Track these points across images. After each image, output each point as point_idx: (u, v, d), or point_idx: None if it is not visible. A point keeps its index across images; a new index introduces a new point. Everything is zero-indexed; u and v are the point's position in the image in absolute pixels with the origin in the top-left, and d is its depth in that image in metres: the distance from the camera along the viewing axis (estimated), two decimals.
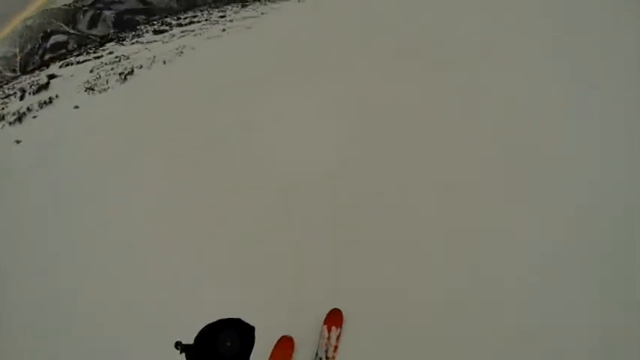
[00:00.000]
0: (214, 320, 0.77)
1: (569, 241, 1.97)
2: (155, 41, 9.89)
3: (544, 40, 3.49)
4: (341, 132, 3.05)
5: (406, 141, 2.87)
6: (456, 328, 1.79)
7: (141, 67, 7.25)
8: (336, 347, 1.90)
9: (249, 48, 5.63)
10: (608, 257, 1.86)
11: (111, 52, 9.43)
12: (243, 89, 3.82)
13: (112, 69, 7.59)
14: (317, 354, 1.88)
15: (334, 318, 2.02)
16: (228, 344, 0.70)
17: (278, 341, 1.93)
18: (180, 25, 10.54)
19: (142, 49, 9.13)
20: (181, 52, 7.59)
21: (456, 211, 2.29)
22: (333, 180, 2.67)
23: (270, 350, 1.88)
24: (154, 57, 7.61)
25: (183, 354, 0.74)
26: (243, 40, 7.19)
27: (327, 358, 1.85)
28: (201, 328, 0.75)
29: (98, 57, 8.85)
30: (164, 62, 7.09)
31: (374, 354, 1.82)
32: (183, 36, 9.27)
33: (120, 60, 8.41)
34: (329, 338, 1.93)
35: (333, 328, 1.96)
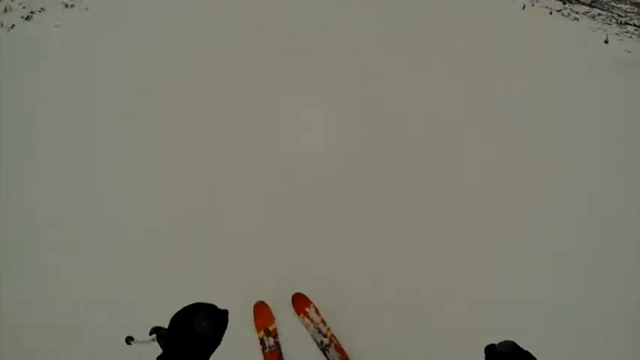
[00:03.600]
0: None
1: (571, 245, 2.12)
2: None
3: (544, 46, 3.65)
4: (341, 127, 2.89)
5: (407, 139, 2.78)
6: (449, 328, 1.83)
7: None
8: (323, 321, 1.80)
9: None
10: (609, 258, 2.06)
11: None
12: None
13: None
14: (315, 341, 1.77)
15: (301, 301, 1.90)
16: (205, 324, 0.71)
17: (254, 310, 1.83)
18: None
19: None
20: None
21: (456, 210, 2.31)
22: (332, 175, 2.54)
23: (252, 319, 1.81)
24: None
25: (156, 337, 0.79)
26: None
27: (325, 336, 1.77)
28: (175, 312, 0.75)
29: None
30: None
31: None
32: None
33: None
34: (312, 320, 1.81)
35: (307, 309, 1.85)
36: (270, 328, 1.77)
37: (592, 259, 2.14)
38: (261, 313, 1.83)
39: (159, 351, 0.74)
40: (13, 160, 2.56)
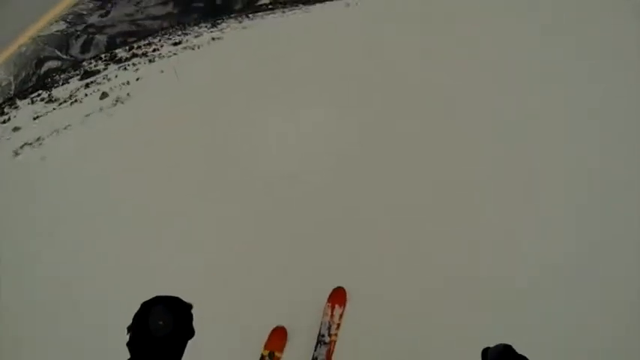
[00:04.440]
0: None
1: (570, 243, 2.09)
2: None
3: (545, 44, 3.29)
4: (339, 130, 3.01)
5: (405, 138, 2.85)
6: (449, 328, 1.90)
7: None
8: (338, 325, 1.95)
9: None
10: (609, 259, 1.99)
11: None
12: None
13: None
14: (320, 332, 1.91)
15: (338, 296, 2.02)
16: (160, 323, 0.66)
17: (272, 331, 1.93)
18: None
19: None
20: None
21: (455, 207, 2.36)
22: (332, 174, 2.69)
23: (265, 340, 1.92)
24: None
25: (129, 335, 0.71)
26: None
27: (329, 335, 1.89)
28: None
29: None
30: None
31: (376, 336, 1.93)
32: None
33: None
34: (332, 316, 1.96)
35: (337, 306, 1.99)
36: (276, 354, 1.86)
37: (592, 260, 2.12)
38: (277, 337, 1.92)
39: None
40: None
